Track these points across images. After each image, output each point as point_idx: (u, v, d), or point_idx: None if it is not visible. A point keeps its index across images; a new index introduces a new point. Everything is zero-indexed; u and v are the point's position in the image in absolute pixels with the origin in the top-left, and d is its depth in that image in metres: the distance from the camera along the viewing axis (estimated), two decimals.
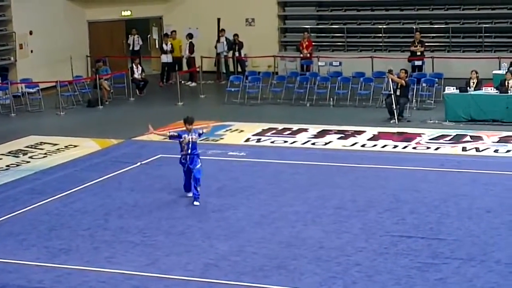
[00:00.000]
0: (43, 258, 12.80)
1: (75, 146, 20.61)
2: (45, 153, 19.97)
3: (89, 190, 16.67)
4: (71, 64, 29.35)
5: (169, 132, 15.93)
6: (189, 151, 15.40)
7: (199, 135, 15.69)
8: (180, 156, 15.62)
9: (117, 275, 12.07)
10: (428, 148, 19.56)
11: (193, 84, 30.45)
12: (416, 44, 28.85)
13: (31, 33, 29.49)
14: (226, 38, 31.35)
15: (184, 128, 15.58)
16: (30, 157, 19.61)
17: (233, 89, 27.02)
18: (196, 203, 15.34)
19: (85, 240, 13.59)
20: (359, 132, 21.26)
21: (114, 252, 12.98)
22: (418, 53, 28.76)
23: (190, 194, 15.53)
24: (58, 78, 26.40)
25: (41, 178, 17.77)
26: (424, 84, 25.44)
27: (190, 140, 15.41)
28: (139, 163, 18.37)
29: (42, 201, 15.88)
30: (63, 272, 12.19)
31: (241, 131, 21.91)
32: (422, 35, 29.55)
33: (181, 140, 15.43)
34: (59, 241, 13.58)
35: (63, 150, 20.22)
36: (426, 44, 29.77)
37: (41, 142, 21.09)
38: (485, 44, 29.93)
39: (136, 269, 12.23)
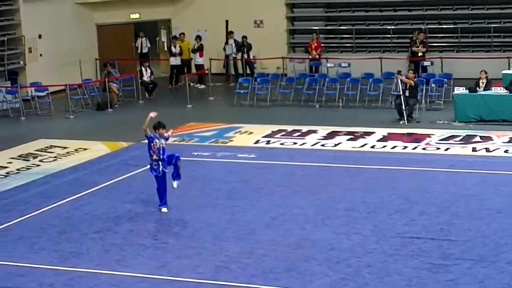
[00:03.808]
0: (54, 261, 12.83)
1: (84, 149, 20.64)
2: (55, 157, 20.02)
3: (99, 193, 16.70)
4: (80, 68, 29.41)
5: (148, 131, 15.27)
6: (161, 156, 15.14)
7: (166, 139, 15.29)
8: (150, 164, 15.29)
9: (128, 278, 12.08)
10: (438, 148, 19.53)
11: (202, 86, 30.47)
12: (418, 44, 28.81)
13: (40, 36, 29.56)
14: (235, 40, 31.38)
15: (157, 134, 15.22)
16: (40, 161, 19.65)
17: (242, 91, 27.03)
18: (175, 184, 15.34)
19: (95, 243, 13.61)
20: (369, 133, 21.24)
21: (124, 255, 13.00)
22: (420, 54, 28.73)
23: (165, 210, 15.19)
24: (67, 82, 26.44)
25: (51, 181, 17.81)
26: (433, 85, 25.39)
27: (161, 145, 15.14)
28: (148, 166, 18.34)
29: (52, 204, 15.92)
30: (74, 275, 12.21)
31: (251, 133, 21.91)
32: (430, 35, 29.50)
33: (152, 144, 15.12)
34: (70, 244, 13.61)
35: (73, 154, 20.26)
36: (435, 44, 29.75)
37: (51, 146, 21.14)
38: (494, 44, 29.86)
39: (147, 272, 12.24)
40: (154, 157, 15.18)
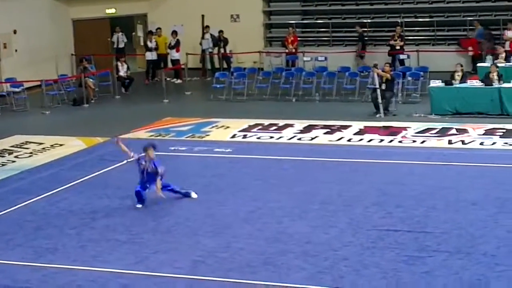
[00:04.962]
0: (29, 257, 12.74)
1: (60, 145, 20.55)
2: (30, 153, 19.90)
3: (75, 189, 16.62)
4: (56, 63, 29.26)
5: (133, 154, 15.29)
6: (146, 179, 15.08)
7: (156, 166, 15.04)
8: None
9: (105, 273, 12.02)
10: (414, 141, 19.59)
11: (179, 81, 30.44)
12: (396, 38, 28.98)
13: (15, 32, 29.39)
14: (211, 35, 31.36)
15: (144, 154, 15.16)
16: (16, 157, 19.53)
17: (218, 86, 27.01)
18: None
19: (71, 239, 13.54)
20: (345, 127, 21.27)
21: (101, 251, 12.94)
22: (398, 47, 28.90)
23: (139, 206, 15.14)
24: (43, 77, 26.35)
25: (26, 177, 17.70)
26: (409, 78, 25.51)
27: (147, 168, 15.05)
28: (125, 161, 18.29)
29: (28, 200, 15.81)
30: (50, 272, 12.14)
31: (227, 127, 21.89)
32: (406, 28, 29.67)
33: (141, 165, 15.07)
34: (46, 240, 13.52)
35: (49, 149, 20.16)
36: (411, 38, 29.88)
37: (26, 142, 21.02)
38: (470, 37, 29.99)
39: (124, 267, 12.18)
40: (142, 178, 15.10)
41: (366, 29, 30.58)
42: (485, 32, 28.81)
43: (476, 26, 29.17)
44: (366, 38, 30.53)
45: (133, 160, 15.41)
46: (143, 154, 15.24)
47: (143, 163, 15.13)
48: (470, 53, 28.91)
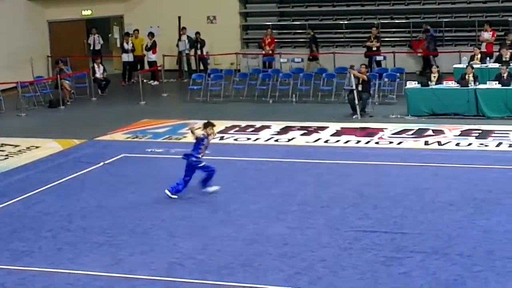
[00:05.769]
0: (5, 261, 12.66)
1: (37, 147, 20.44)
2: (6, 155, 19.79)
3: (52, 191, 16.53)
4: (32, 65, 29.11)
5: (199, 134, 15.68)
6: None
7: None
8: (195, 158, 15.55)
9: (81, 276, 11.97)
10: (390, 142, 19.66)
11: (155, 83, 30.39)
12: (372, 39, 29.09)
13: None
14: (188, 36, 31.32)
15: (204, 132, 15.65)
16: None
17: (195, 87, 26.98)
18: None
19: (48, 242, 13.47)
20: (322, 128, 21.31)
21: (78, 253, 12.88)
22: (374, 48, 29.01)
23: (213, 188, 15.61)
24: (19, 79, 26.15)
25: (2, 180, 17.58)
26: (385, 79, 25.59)
27: (208, 143, 15.64)
28: (102, 163, 18.26)
29: (4, 203, 15.70)
30: (27, 275, 12.07)
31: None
32: (382, 30, 29.76)
33: (203, 144, 15.53)
34: (22, 243, 13.44)
35: (25, 152, 20.05)
36: (387, 39, 29.96)
37: (2, 144, 20.90)
38: (446, 38, 30.17)
39: (101, 270, 12.13)
40: (201, 154, 15.52)
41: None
42: (427, 35, 29.02)
43: (424, 28, 29.39)
44: (318, 41, 30.66)
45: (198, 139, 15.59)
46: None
47: (206, 140, 15.58)
48: (419, 54, 29.21)
